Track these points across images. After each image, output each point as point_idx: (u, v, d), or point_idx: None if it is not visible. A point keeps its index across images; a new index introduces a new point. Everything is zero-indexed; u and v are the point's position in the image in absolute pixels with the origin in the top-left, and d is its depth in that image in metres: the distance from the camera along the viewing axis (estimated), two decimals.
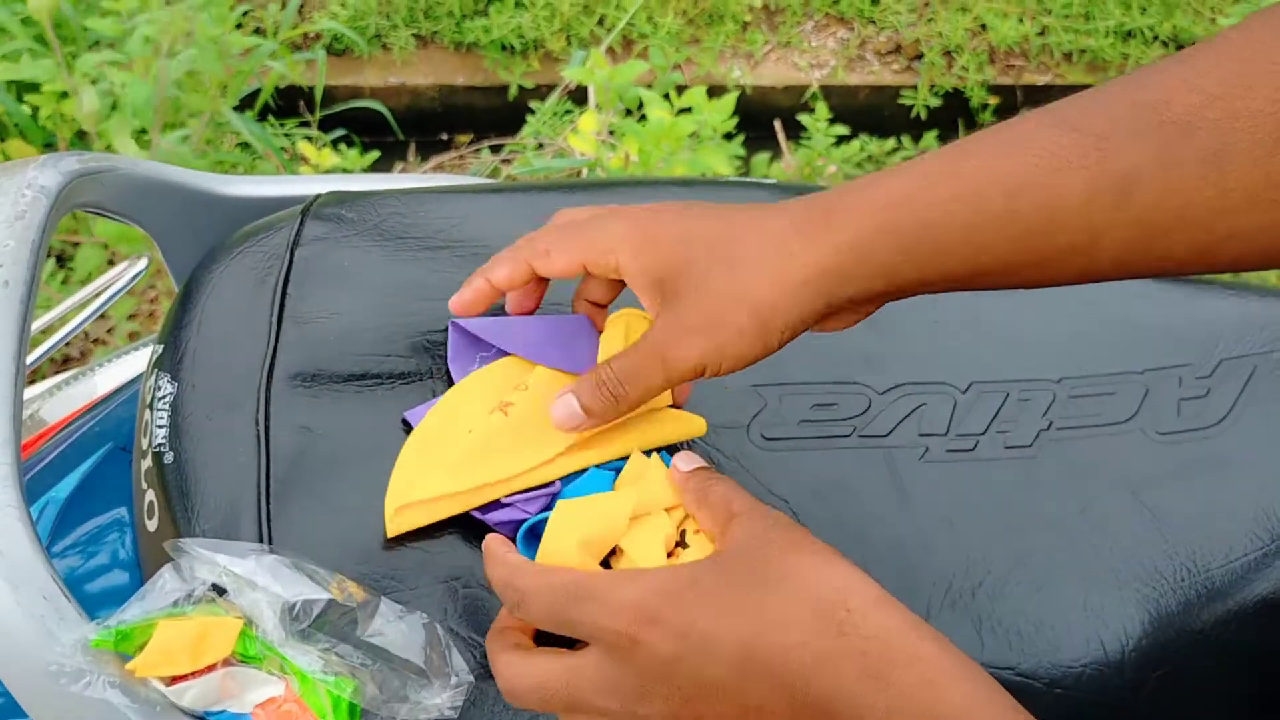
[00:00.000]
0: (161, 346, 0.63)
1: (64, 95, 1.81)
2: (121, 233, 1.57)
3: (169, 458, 0.59)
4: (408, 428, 0.61)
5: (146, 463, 0.60)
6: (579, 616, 0.47)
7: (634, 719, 0.47)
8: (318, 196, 0.71)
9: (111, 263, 1.69)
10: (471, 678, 0.53)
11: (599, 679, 0.47)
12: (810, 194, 0.55)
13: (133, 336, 1.76)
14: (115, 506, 0.72)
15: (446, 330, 0.65)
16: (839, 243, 0.52)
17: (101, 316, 1.23)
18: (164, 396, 0.61)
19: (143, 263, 0.82)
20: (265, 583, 0.50)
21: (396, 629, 0.52)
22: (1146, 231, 0.49)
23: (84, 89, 1.64)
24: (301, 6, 2.37)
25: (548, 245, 0.58)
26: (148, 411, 0.61)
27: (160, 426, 0.60)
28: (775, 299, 0.53)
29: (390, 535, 0.57)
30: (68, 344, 1.56)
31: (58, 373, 0.95)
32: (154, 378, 0.62)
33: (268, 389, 0.60)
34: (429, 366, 0.64)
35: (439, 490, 0.57)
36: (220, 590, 0.51)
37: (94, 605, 0.54)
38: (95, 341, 1.78)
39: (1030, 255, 0.51)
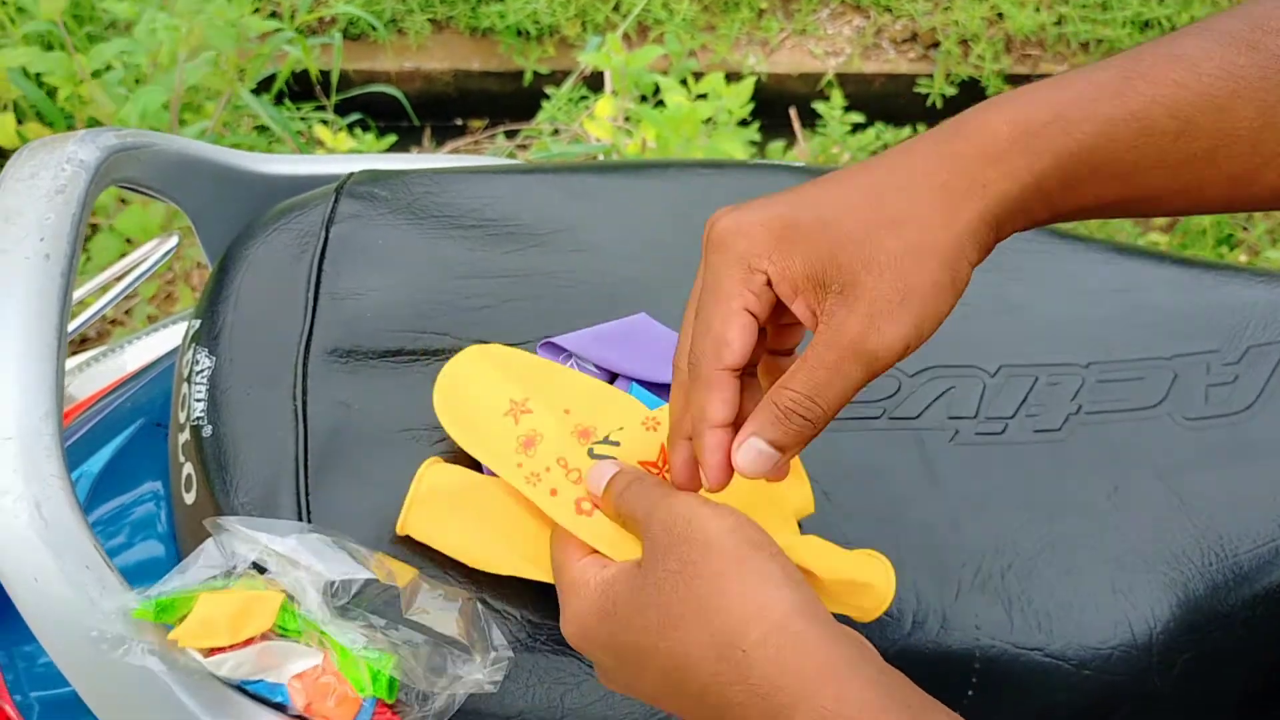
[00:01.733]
0: (199, 321, 0.64)
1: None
2: (140, 225, 1.58)
3: (208, 431, 0.59)
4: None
5: (184, 436, 0.61)
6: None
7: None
8: (351, 175, 0.72)
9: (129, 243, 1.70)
10: (511, 653, 0.53)
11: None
12: (941, 124, 0.50)
13: (150, 319, 1.76)
14: (147, 481, 0.73)
15: (480, 308, 0.65)
16: (1003, 176, 0.47)
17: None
18: (202, 370, 0.61)
19: (172, 241, 0.82)
20: (307, 561, 0.50)
21: (437, 606, 0.53)
22: None
23: (96, 94, 1.65)
24: None
25: (704, 329, 0.49)
26: (185, 385, 0.62)
27: (199, 400, 0.60)
28: (957, 244, 0.47)
29: (400, 532, 0.57)
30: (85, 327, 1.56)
31: (75, 353, 0.95)
32: (191, 352, 0.63)
33: (305, 364, 0.61)
34: (463, 343, 0.64)
35: (453, 537, 0.57)
36: (260, 568, 0.52)
37: (128, 578, 0.55)
38: (113, 323, 1.79)
39: (1191, 181, 0.47)
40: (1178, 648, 0.62)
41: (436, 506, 0.57)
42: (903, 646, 0.59)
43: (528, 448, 0.56)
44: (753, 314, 0.49)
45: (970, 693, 0.60)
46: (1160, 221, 2.06)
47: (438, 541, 0.57)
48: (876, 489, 0.64)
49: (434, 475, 0.57)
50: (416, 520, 0.57)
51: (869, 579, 0.55)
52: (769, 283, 0.48)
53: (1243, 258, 1.98)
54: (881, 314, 0.46)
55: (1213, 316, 0.73)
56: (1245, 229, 2.01)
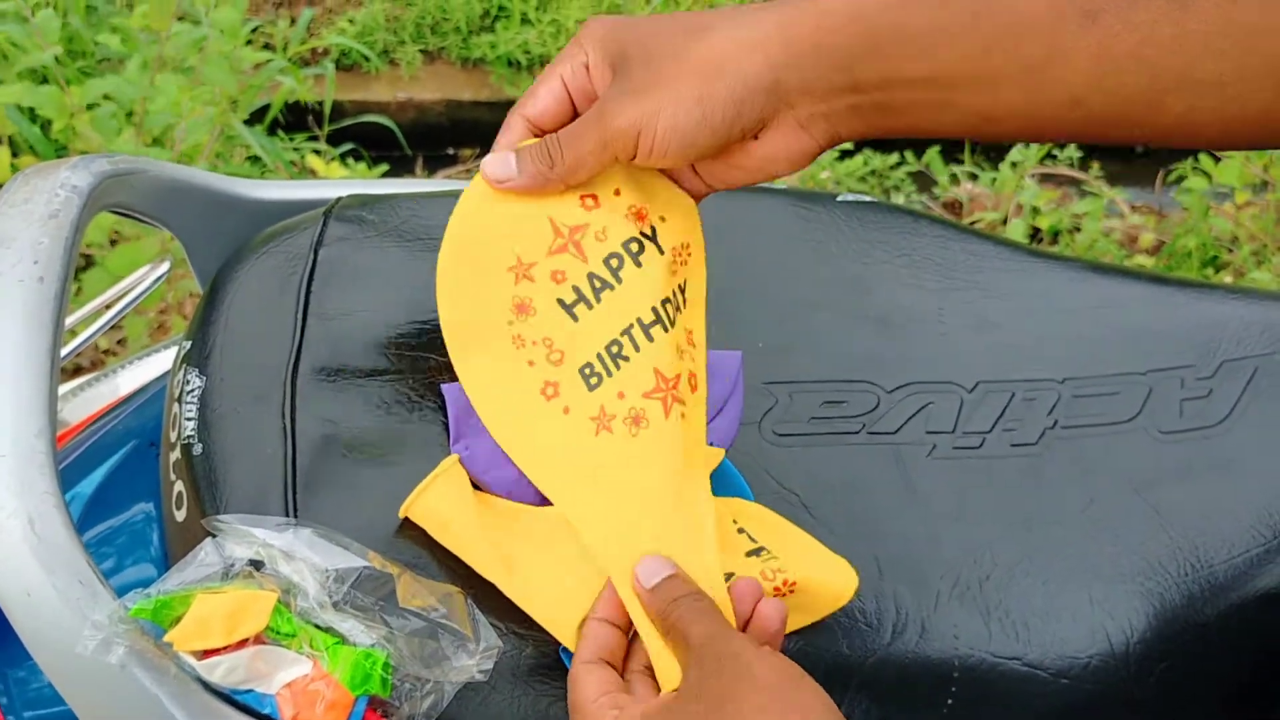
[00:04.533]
0: (189, 342, 0.65)
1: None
2: (131, 263, 1.60)
3: (198, 449, 0.60)
4: (442, 401, 0.63)
5: (175, 455, 0.62)
6: None
7: None
8: (339, 199, 0.73)
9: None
10: (500, 643, 0.54)
11: None
12: None
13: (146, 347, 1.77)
14: (139, 502, 0.74)
15: None
16: (797, 14, 0.52)
17: (113, 328, 1.24)
18: (192, 390, 0.62)
19: (164, 267, 0.84)
20: (304, 554, 0.52)
21: (427, 599, 0.54)
22: (1103, 62, 0.50)
23: (85, 130, 1.67)
24: (311, 22, 2.39)
25: (524, 101, 0.57)
26: (176, 405, 0.63)
27: (189, 419, 0.61)
28: (721, 58, 0.52)
29: (402, 514, 0.59)
30: (78, 354, 1.57)
31: (68, 380, 0.97)
32: (182, 372, 0.64)
33: (294, 383, 0.62)
34: (448, 361, 0.65)
35: (463, 532, 0.58)
36: (257, 564, 0.53)
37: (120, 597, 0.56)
38: (106, 352, 1.80)
39: (988, 68, 0.51)
40: (1154, 657, 0.63)
41: (448, 497, 0.58)
42: (882, 656, 0.60)
43: (520, 312, 0.57)
44: (565, 84, 0.56)
45: (949, 702, 0.61)
46: (1145, 245, 2.08)
47: (437, 528, 0.58)
48: (856, 502, 0.65)
49: (456, 471, 0.59)
50: (425, 502, 0.58)
51: (830, 582, 0.58)
52: (587, 66, 0.55)
53: (1228, 279, 2.00)
54: (627, 95, 0.53)
55: (1187, 332, 0.74)
56: (1230, 250, 2.03)
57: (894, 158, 2.29)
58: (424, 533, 0.59)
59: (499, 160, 0.56)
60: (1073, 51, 0.50)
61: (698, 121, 0.52)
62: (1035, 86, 0.51)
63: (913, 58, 0.51)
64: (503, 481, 0.60)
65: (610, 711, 0.51)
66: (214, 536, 0.54)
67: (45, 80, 1.98)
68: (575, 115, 0.57)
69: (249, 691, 0.53)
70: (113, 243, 1.77)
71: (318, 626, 0.53)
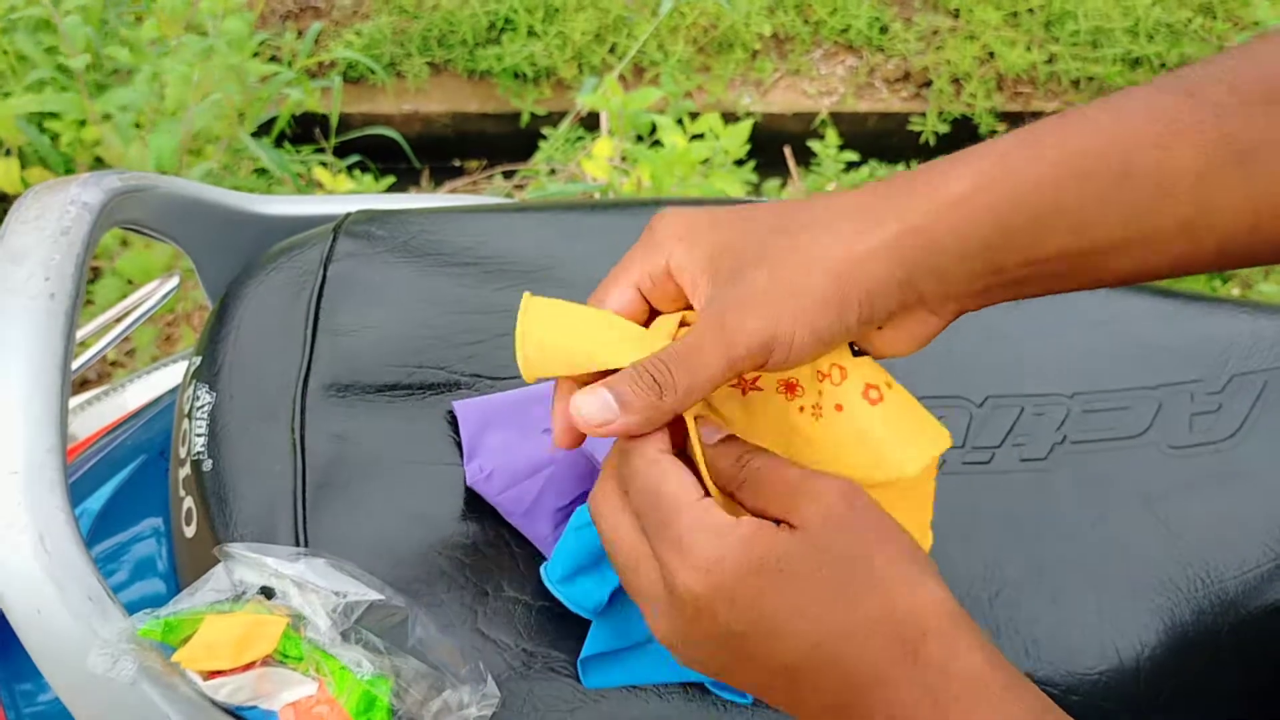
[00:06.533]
0: (199, 358, 0.65)
1: (83, 122, 1.84)
2: (142, 267, 1.60)
3: (207, 465, 0.60)
4: (453, 418, 0.63)
5: (185, 471, 0.62)
6: (660, 551, 0.45)
7: (675, 649, 0.47)
8: (349, 215, 0.73)
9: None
10: (499, 694, 0.54)
11: (653, 597, 0.46)
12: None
13: (154, 359, 1.78)
14: (148, 517, 0.74)
15: (473, 343, 0.67)
16: (927, 208, 0.46)
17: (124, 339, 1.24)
18: (202, 406, 0.63)
19: (173, 281, 0.84)
20: (316, 584, 0.52)
21: (434, 637, 0.54)
22: (1257, 211, 0.46)
23: (108, 135, 1.67)
24: (318, 35, 2.40)
25: (595, 297, 0.50)
26: (186, 421, 0.63)
27: (199, 435, 0.62)
28: (852, 260, 0.46)
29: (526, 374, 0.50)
30: (86, 367, 1.58)
31: (76, 394, 0.97)
32: (192, 388, 0.64)
33: (303, 399, 0.62)
34: (458, 377, 0.65)
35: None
36: (268, 593, 0.53)
37: (130, 613, 0.56)
38: (114, 364, 1.80)
39: (1139, 231, 0.47)
40: (1165, 673, 0.63)
41: (548, 312, 0.50)
42: None
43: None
44: (642, 293, 0.49)
45: None
46: None
47: (555, 341, 0.49)
48: None
49: (531, 303, 0.50)
50: (534, 319, 0.49)
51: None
52: (669, 270, 0.48)
53: (1235, 291, 2.00)
54: (749, 304, 0.46)
55: (1196, 347, 0.74)
56: None
57: (900, 168, 2.30)
58: (432, 548, 0.59)
59: (595, 401, 0.46)
60: (1226, 205, 0.46)
61: (832, 324, 0.46)
62: (1183, 246, 0.47)
63: (1055, 235, 0.47)
64: (519, 502, 0.60)
65: (721, 512, 0.45)
66: (223, 561, 0.54)
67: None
68: (651, 319, 0.50)
69: (253, 708, 0.53)
70: (124, 244, 1.78)
71: (326, 653, 0.53)
